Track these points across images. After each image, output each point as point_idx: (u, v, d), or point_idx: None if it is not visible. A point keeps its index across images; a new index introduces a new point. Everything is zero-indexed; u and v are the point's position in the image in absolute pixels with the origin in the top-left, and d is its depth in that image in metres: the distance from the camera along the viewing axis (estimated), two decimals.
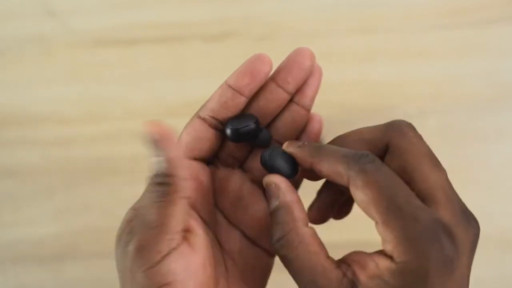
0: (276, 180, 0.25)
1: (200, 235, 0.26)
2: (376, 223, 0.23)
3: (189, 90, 0.54)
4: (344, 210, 0.31)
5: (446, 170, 0.26)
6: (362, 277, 0.22)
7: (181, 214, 0.24)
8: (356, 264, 0.23)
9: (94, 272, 0.52)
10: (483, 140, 0.53)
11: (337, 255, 0.26)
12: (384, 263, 0.22)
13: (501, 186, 0.53)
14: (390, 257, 0.22)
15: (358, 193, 0.23)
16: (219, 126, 0.28)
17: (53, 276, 0.53)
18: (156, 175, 0.24)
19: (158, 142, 0.23)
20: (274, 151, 0.26)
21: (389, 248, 0.22)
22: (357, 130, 0.27)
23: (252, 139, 0.28)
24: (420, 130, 0.28)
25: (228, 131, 0.27)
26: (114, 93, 0.54)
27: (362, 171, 0.23)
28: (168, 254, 0.23)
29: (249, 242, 0.29)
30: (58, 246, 0.53)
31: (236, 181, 0.29)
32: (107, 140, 0.54)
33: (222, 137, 0.28)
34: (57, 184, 0.53)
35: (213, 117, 0.28)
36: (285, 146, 0.27)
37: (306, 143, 0.26)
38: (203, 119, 0.28)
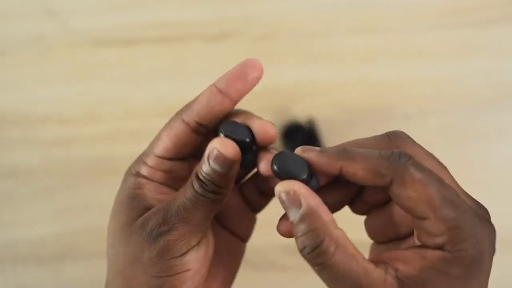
0: (295, 187, 0.24)
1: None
2: (424, 218, 0.23)
3: (189, 90, 0.54)
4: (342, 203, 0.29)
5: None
6: (410, 271, 0.22)
7: (213, 214, 0.26)
8: (395, 262, 0.23)
9: (94, 272, 0.52)
10: (483, 140, 0.53)
11: None
12: (434, 254, 0.22)
13: (501, 186, 0.53)
14: (439, 248, 0.23)
15: (406, 190, 0.23)
16: (203, 131, 0.27)
17: (53, 276, 0.53)
18: (211, 184, 0.25)
19: (225, 160, 0.24)
20: (287, 154, 0.25)
21: (438, 241, 0.22)
22: (358, 141, 0.26)
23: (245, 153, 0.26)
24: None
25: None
26: (114, 93, 0.54)
27: (408, 168, 0.23)
28: (194, 247, 0.25)
29: (220, 227, 0.30)
30: (58, 246, 0.53)
31: None
32: (107, 140, 0.54)
33: (204, 140, 0.28)
34: (57, 184, 0.53)
35: (198, 123, 0.27)
36: (301, 152, 0.25)
37: (325, 148, 0.25)
38: (187, 123, 0.27)
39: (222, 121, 0.26)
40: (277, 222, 0.30)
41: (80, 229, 0.53)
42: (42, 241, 0.53)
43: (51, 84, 0.55)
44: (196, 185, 0.25)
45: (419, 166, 0.23)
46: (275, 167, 0.24)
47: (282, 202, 0.24)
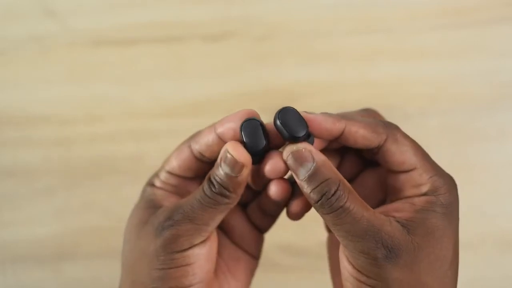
0: (306, 145, 0.27)
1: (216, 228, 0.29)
2: (412, 169, 0.28)
3: (189, 90, 0.54)
4: None
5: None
6: (405, 216, 0.27)
7: (220, 218, 0.28)
8: (389, 213, 0.27)
9: (94, 272, 0.52)
10: (483, 140, 0.53)
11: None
12: (420, 199, 0.27)
13: (501, 186, 0.53)
14: (423, 196, 0.27)
15: (398, 145, 0.28)
16: (207, 160, 0.30)
17: (53, 276, 0.53)
18: (220, 187, 0.27)
19: (236, 163, 0.27)
20: (289, 111, 0.27)
21: (422, 189, 0.27)
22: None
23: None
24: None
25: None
26: (114, 93, 0.54)
27: (399, 130, 0.28)
28: (197, 244, 0.27)
29: (231, 242, 0.32)
30: (58, 246, 0.53)
31: None
32: (107, 140, 0.54)
33: (209, 165, 0.30)
34: (57, 184, 0.53)
35: (202, 154, 0.29)
36: (306, 113, 0.27)
37: (326, 112, 0.28)
38: (192, 151, 0.29)
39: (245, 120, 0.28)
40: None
41: (80, 229, 0.53)
42: (42, 241, 0.53)
43: (51, 84, 0.55)
44: (206, 187, 0.27)
45: (402, 130, 0.28)
46: (278, 122, 0.26)
47: (291, 164, 0.26)
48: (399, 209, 0.27)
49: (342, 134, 0.28)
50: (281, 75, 0.54)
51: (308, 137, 0.27)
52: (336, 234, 0.26)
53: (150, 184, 0.31)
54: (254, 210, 0.32)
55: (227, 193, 0.27)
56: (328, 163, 0.26)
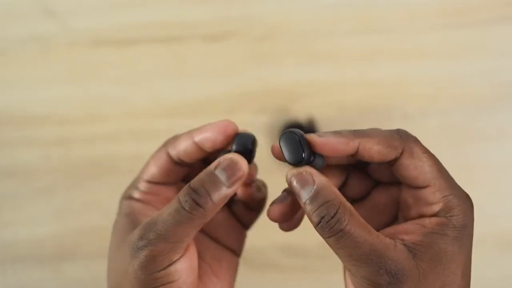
0: (306, 168, 0.27)
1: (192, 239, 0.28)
2: (425, 187, 0.26)
3: (189, 90, 0.54)
4: None
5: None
6: (414, 238, 0.25)
7: (195, 232, 0.27)
8: (398, 235, 0.26)
9: (94, 272, 0.52)
10: (483, 140, 0.53)
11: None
12: (431, 221, 0.26)
13: (501, 186, 0.53)
14: (435, 215, 0.26)
15: (413, 160, 0.27)
16: (186, 164, 0.30)
17: (53, 276, 0.53)
18: (207, 194, 0.26)
19: (237, 171, 0.27)
20: (289, 138, 0.27)
21: (434, 208, 0.26)
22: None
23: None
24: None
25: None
26: (114, 93, 0.54)
27: (416, 142, 0.27)
28: (176, 260, 0.26)
29: (212, 240, 0.31)
30: (58, 246, 0.53)
31: None
32: (107, 140, 0.54)
33: (189, 169, 0.31)
34: (57, 184, 0.53)
35: (180, 159, 0.29)
36: (317, 137, 0.27)
37: (338, 130, 0.28)
38: (171, 156, 0.29)
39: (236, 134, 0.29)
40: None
41: (80, 229, 0.53)
42: (42, 241, 0.53)
43: (51, 84, 0.55)
44: (182, 198, 0.26)
45: (421, 143, 0.27)
46: (279, 146, 0.27)
47: (293, 187, 0.26)
48: (409, 231, 0.26)
49: (357, 152, 0.27)
50: (281, 75, 0.54)
51: (314, 158, 0.27)
52: (339, 258, 0.26)
53: (128, 197, 0.30)
54: (238, 206, 0.32)
55: (208, 203, 0.26)
56: (328, 186, 0.26)
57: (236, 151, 0.28)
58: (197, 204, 0.26)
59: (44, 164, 0.54)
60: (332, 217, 0.25)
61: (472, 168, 0.53)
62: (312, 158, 0.27)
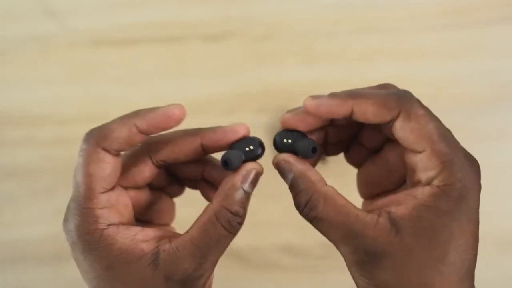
0: (284, 157, 0.27)
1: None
2: (421, 151, 0.25)
3: (189, 90, 0.54)
4: (340, 148, 0.31)
5: None
6: (402, 211, 0.24)
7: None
8: (388, 206, 0.25)
9: None
10: (483, 140, 0.53)
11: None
12: (423, 191, 0.24)
13: (501, 186, 0.53)
14: (428, 184, 0.24)
15: (410, 123, 0.25)
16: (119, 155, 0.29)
17: (53, 276, 0.53)
18: (238, 226, 0.26)
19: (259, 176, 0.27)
20: (287, 133, 0.28)
21: (430, 175, 0.24)
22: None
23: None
24: None
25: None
26: (114, 93, 0.54)
27: (413, 103, 0.25)
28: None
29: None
30: (58, 246, 0.53)
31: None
32: None
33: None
34: (57, 184, 0.53)
35: (117, 151, 0.29)
36: (311, 99, 0.27)
37: (333, 92, 0.27)
38: (108, 150, 0.28)
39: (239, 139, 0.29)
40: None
41: None
42: (42, 241, 0.53)
43: (51, 84, 0.55)
44: (227, 224, 0.26)
45: (421, 103, 0.26)
46: (278, 144, 0.28)
47: (280, 172, 0.27)
48: (400, 201, 0.25)
49: (352, 113, 0.26)
50: (281, 75, 0.54)
51: (302, 140, 0.27)
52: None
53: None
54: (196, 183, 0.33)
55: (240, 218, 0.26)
56: (304, 174, 0.26)
57: (248, 157, 0.28)
58: (241, 224, 0.26)
59: (44, 164, 0.54)
60: (306, 205, 0.25)
61: None
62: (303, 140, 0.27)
